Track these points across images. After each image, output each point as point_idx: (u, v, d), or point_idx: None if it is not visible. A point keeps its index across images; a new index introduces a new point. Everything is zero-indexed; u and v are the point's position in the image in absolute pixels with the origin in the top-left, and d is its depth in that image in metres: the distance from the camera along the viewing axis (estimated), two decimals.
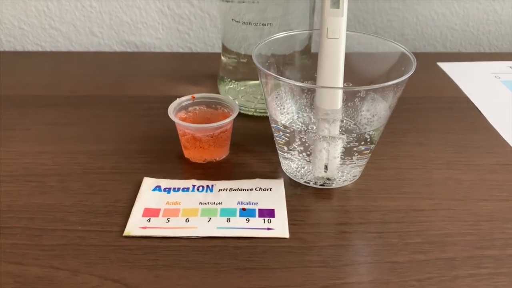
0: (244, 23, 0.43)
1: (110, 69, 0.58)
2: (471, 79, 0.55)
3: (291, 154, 0.37)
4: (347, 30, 0.34)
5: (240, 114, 0.42)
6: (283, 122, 0.37)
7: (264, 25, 0.42)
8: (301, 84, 0.33)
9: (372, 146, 0.36)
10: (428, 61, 0.60)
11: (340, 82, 0.34)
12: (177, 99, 0.41)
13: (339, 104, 0.34)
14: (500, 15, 0.65)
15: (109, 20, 0.64)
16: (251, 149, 0.42)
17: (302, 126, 0.38)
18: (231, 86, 0.48)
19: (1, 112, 0.47)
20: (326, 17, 0.33)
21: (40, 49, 0.65)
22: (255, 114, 0.47)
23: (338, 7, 0.33)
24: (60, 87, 0.53)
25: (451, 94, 0.52)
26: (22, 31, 0.64)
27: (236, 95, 0.48)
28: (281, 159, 0.39)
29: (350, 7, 0.63)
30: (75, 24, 0.64)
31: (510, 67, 0.59)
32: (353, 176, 0.38)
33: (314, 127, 0.36)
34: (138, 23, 0.64)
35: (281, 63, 0.40)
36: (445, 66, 0.58)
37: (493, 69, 0.58)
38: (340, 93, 0.34)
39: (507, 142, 0.43)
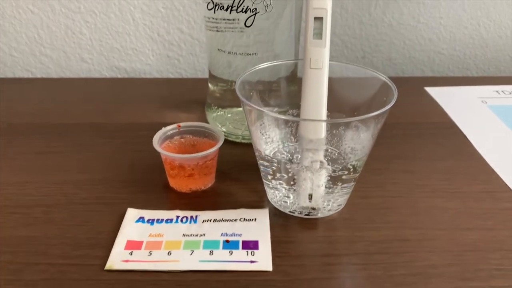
0: (229, 52, 0.43)
1: (100, 96, 0.58)
2: (457, 104, 0.56)
3: (275, 184, 0.37)
4: (331, 59, 0.34)
5: (227, 141, 0.42)
6: (267, 152, 0.37)
7: (249, 54, 0.43)
8: (283, 117, 0.33)
9: (357, 175, 0.36)
10: (416, 85, 0.60)
11: (324, 112, 0.34)
12: (162, 128, 0.41)
13: (322, 133, 0.34)
14: (485, 40, 0.66)
15: (99, 46, 0.64)
16: (237, 178, 0.42)
17: (287, 156, 0.38)
18: (219, 113, 0.48)
19: None
20: (309, 48, 0.34)
21: (30, 76, 0.66)
22: (242, 141, 0.47)
23: (320, 38, 0.34)
24: (49, 115, 0.53)
25: (437, 119, 0.52)
26: (13, 58, 0.64)
27: (223, 122, 0.48)
28: (266, 188, 0.39)
29: (338, 33, 0.64)
30: (66, 50, 0.64)
31: (497, 91, 0.59)
32: (338, 205, 0.37)
33: (299, 157, 0.36)
34: (128, 49, 0.64)
35: (267, 91, 0.40)
36: (432, 91, 0.59)
37: (480, 94, 0.58)
38: (323, 123, 0.34)
39: (492, 169, 0.43)
